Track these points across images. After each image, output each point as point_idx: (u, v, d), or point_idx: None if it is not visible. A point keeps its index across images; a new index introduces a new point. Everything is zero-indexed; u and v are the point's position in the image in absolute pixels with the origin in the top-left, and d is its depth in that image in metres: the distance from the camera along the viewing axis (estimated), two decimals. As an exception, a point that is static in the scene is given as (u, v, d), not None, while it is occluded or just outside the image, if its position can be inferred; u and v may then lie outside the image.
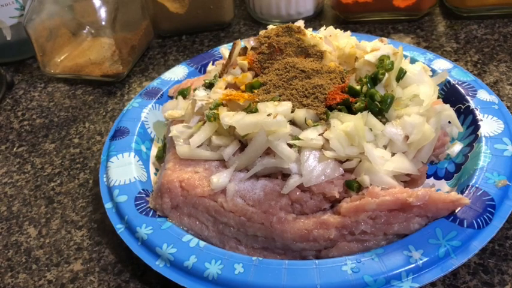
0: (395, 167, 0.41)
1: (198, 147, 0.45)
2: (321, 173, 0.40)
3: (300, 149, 0.42)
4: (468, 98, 0.50)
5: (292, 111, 0.44)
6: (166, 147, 0.50)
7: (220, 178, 0.42)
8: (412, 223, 0.39)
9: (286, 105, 0.44)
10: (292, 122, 0.44)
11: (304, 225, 0.39)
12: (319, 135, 0.42)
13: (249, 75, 0.51)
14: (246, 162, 0.42)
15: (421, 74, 0.48)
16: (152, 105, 0.57)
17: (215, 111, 0.45)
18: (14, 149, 0.62)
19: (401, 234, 0.39)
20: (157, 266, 0.40)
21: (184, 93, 0.55)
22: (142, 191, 0.46)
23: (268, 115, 0.42)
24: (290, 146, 0.42)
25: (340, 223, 0.39)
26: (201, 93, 0.50)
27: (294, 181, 0.40)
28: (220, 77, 0.54)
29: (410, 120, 0.42)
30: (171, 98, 0.59)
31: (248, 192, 0.41)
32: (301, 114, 0.43)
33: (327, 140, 0.41)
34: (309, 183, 0.40)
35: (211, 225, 0.42)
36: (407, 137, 0.43)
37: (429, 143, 0.43)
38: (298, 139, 0.42)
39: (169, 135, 0.47)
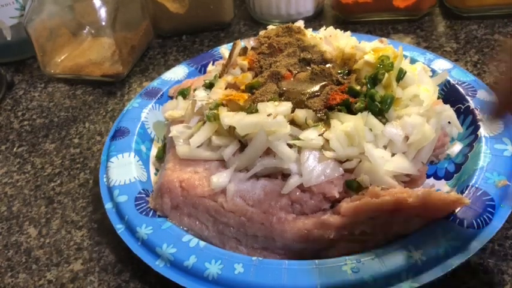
0: (395, 167, 0.41)
1: (198, 147, 0.45)
2: (321, 173, 0.40)
3: (299, 149, 0.42)
4: (468, 98, 0.50)
5: (292, 112, 0.44)
6: (166, 147, 0.50)
7: (220, 178, 0.42)
8: (412, 223, 0.39)
9: (286, 106, 0.44)
10: (292, 122, 0.44)
11: (304, 225, 0.39)
12: (319, 135, 0.42)
13: (249, 75, 0.51)
14: (246, 163, 0.42)
15: (421, 74, 0.48)
16: (152, 105, 0.57)
17: (215, 111, 0.45)
18: (14, 149, 0.62)
19: (401, 234, 0.39)
20: (157, 266, 0.40)
21: (184, 93, 0.55)
22: (142, 191, 0.46)
23: (268, 115, 0.42)
24: (290, 146, 0.42)
25: (340, 223, 0.39)
26: (201, 94, 0.50)
27: (294, 181, 0.40)
28: (220, 77, 0.54)
29: (411, 121, 0.42)
30: (171, 98, 0.59)
31: (248, 193, 0.41)
32: (301, 114, 0.43)
33: (327, 140, 0.41)
34: (309, 183, 0.40)
35: (211, 225, 0.42)
36: (407, 138, 0.43)
37: (429, 143, 0.43)
38: (298, 139, 0.42)
39: (169, 135, 0.47)
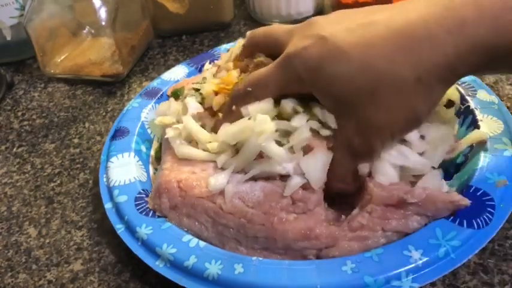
0: (404, 162, 0.40)
1: (195, 147, 0.45)
2: (323, 167, 0.40)
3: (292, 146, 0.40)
4: (468, 98, 0.50)
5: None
6: (162, 148, 0.50)
7: (217, 180, 0.41)
8: (410, 221, 0.39)
9: (268, 102, 0.42)
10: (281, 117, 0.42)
11: (306, 224, 0.39)
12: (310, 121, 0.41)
13: (234, 73, 0.48)
14: (241, 166, 0.42)
15: None
16: (152, 105, 0.57)
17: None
18: (14, 149, 0.62)
19: (401, 232, 0.39)
20: (157, 266, 0.40)
21: (177, 94, 0.54)
22: (142, 191, 0.46)
23: (249, 119, 0.41)
24: (282, 143, 0.40)
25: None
26: (192, 103, 0.49)
27: (295, 183, 0.40)
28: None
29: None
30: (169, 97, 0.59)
31: (247, 194, 0.41)
32: (286, 104, 0.41)
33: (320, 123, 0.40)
34: (318, 185, 0.40)
35: (211, 226, 0.42)
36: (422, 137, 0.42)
37: (445, 145, 0.42)
38: (288, 133, 0.40)
39: (165, 136, 0.47)
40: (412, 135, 0.41)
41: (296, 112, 0.42)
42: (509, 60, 0.33)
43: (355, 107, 0.36)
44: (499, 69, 0.37)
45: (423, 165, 0.41)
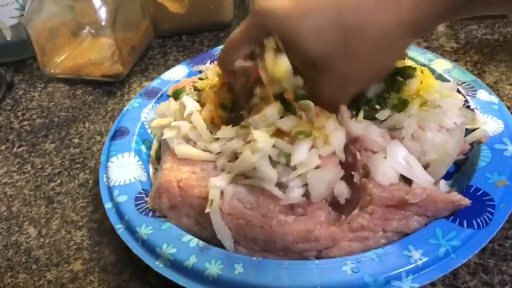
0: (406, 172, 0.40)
1: (195, 147, 0.45)
2: (328, 184, 0.39)
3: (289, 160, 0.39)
4: (468, 98, 0.50)
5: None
6: (162, 148, 0.50)
7: (218, 181, 0.41)
8: (411, 221, 0.39)
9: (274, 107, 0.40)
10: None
11: (305, 226, 0.39)
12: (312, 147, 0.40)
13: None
14: (238, 173, 0.41)
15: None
16: (152, 105, 0.57)
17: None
18: (14, 149, 0.62)
19: (401, 233, 0.39)
20: (157, 266, 0.40)
21: (178, 94, 0.54)
22: (142, 191, 0.46)
23: (248, 142, 0.40)
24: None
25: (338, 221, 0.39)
26: (189, 101, 0.49)
27: (294, 197, 0.39)
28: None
29: (430, 138, 0.42)
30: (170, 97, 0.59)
31: (246, 195, 0.41)
32: (286, 126, 0.40)
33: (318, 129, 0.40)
34: (318, 199, 0.39)
35: (210, 226, 0.42)
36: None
37: (448, 162, 0.43)
38: (286, 154, 0.39)
39: (163, 137, 0.47)
40: (412, 151, 0.41)
41: (297, 136, 0.40)
42: (463, 10, 0.36)
43: (325, 60, 0.36)
44: (459, 17, 0.39)
45: (423, 180, 0.40)
